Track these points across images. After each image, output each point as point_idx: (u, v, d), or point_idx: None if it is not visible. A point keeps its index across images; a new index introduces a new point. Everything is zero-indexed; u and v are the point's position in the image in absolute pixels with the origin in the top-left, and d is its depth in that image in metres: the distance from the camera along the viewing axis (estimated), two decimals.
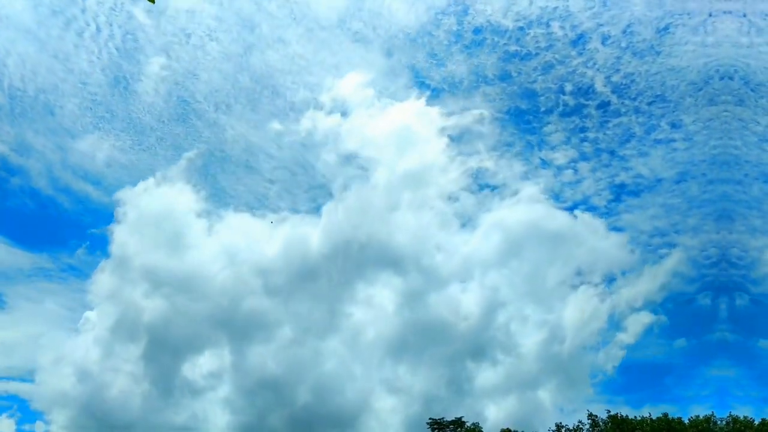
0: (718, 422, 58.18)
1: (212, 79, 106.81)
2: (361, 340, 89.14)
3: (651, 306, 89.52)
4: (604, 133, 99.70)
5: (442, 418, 61.21)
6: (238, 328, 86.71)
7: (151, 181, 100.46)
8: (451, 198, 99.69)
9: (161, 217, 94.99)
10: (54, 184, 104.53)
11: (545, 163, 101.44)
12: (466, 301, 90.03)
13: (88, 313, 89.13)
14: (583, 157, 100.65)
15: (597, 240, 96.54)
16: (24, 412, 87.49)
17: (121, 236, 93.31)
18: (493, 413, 79.47)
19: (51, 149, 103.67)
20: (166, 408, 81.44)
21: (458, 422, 60.87)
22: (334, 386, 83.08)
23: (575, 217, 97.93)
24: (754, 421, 57.15)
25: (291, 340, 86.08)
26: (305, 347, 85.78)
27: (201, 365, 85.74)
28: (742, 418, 57.83)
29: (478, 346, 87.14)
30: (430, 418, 61.80)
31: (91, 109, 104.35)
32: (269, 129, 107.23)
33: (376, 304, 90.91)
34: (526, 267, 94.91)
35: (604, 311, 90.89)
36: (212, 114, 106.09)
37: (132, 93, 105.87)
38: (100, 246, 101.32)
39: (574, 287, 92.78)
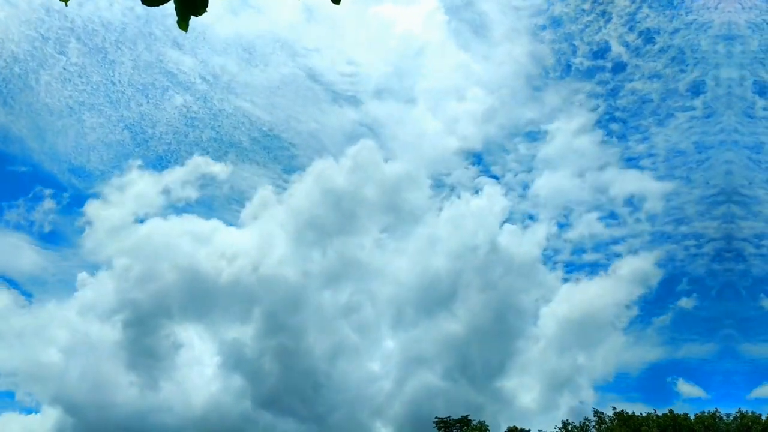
0: (724, 418, 58.05)
1: (197, 49, 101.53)
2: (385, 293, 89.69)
3: None
4: (618, 101, 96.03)
5: (449, 416, 61.29)
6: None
7: (137, 162, 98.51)
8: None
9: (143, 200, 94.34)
10: (36, 172, 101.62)
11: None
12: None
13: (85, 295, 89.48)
14: (599, 124, 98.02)
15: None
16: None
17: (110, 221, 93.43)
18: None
19: (30, 129, 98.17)
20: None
21: (464, 420, 60.86)
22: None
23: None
24: (761, 416, 57.01)
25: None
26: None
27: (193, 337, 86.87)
28: (749, 413, 57.68)
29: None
30: (436, 417, 61.86)
31: (70, 81, 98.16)
32: (266, 102, 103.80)
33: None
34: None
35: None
36: (200, 86, 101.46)
37: (111, 63, 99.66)
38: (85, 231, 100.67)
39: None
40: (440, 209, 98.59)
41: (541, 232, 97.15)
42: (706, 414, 58.45)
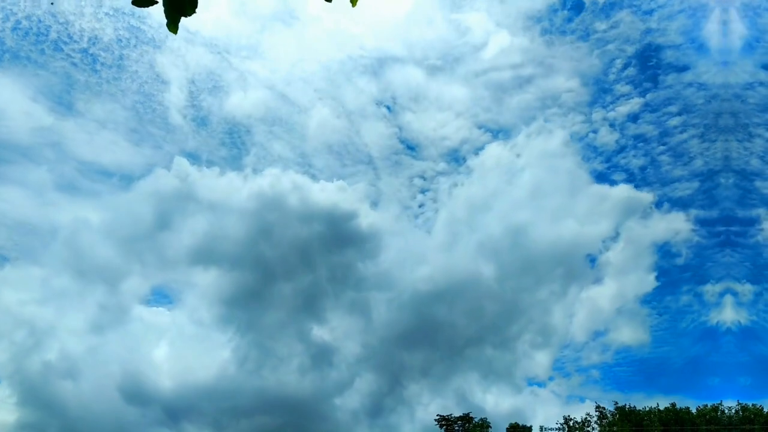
0: (726, 411, 58.03)
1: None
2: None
3: None
4: None
5: (450, 414, 61.35)
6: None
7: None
8: None
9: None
10: None
11: None
12: None
13: None
14: None
15: None
16: None
17: None
18: None
19: None
20: None
21: (466, 418, 60.88)
22: None
23: None
24: (762, 408, 57.01)
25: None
26: None
27: None
28: (750, 405, 57.68)
29: None
30: (438, 415, 61.94)
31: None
32: None
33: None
34: None
35: None
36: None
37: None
38: None
39: None
40: None
41: None
42: (708, 407, 58.47)
